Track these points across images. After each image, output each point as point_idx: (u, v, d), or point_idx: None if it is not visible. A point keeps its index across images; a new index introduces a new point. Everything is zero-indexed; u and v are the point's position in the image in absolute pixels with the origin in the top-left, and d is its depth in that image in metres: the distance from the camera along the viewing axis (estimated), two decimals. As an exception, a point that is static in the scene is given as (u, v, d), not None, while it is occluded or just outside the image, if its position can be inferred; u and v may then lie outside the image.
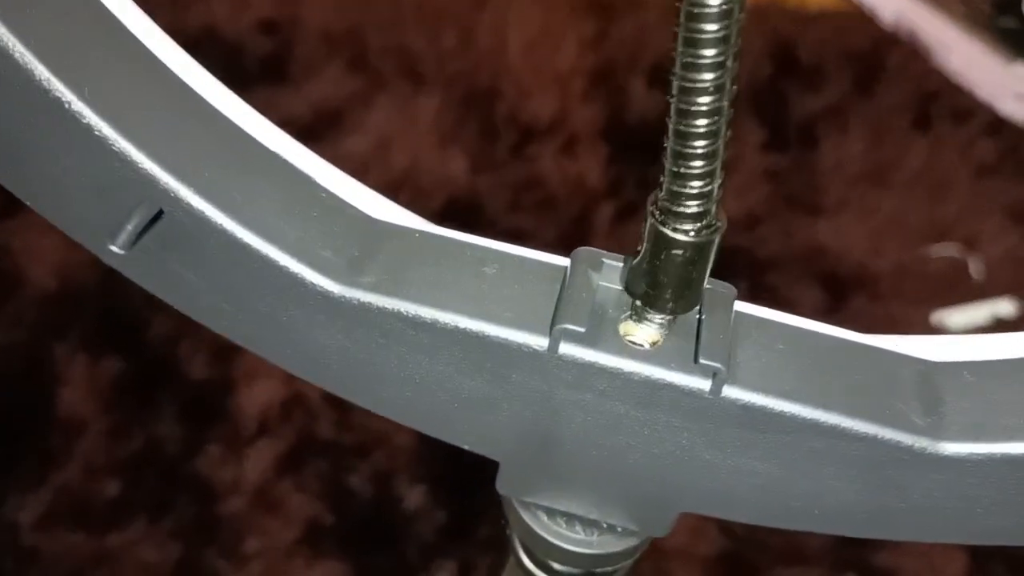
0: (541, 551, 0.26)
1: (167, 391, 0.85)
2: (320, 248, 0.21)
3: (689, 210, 0.19)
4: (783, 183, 1.06)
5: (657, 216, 0.19)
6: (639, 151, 1.07)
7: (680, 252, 0.19)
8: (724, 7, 0.16)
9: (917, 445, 0.21)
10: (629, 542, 0.26)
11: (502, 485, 0.25)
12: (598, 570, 0.26)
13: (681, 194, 0.19)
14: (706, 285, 0.22)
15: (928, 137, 1.11)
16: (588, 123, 1.09)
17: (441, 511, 0.80)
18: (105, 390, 0.85)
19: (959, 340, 0.22)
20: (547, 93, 1.10)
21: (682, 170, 0.18)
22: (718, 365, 0.21)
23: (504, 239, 0.23)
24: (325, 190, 0.22)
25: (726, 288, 0.22)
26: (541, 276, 0.22)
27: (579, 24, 1.18)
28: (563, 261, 0.22)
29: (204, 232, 0.20)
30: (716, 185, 0.19)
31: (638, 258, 0.20)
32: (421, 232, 0.22)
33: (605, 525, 0.26)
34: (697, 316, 0.21)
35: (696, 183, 0.19)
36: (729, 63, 0.17)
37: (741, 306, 0.23)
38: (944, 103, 1.15)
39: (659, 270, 0.20)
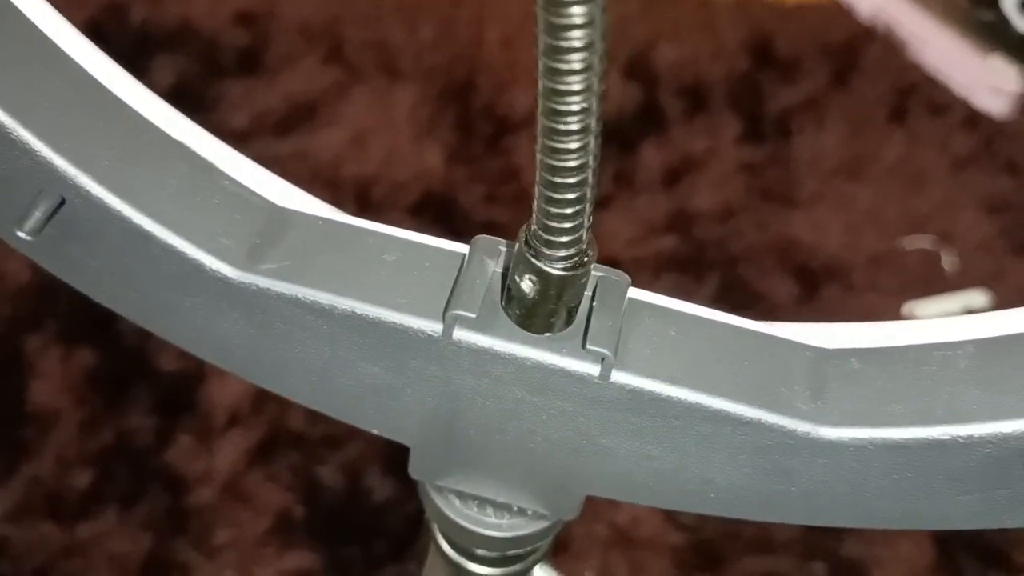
0: (456, 534, 0.27)
1: (139, 383, 0.86)
2: (220, 235, 0.21)
3: (559, 252, 0.20)
4: (758, 176, 1.07)
5: (528, 251, 0.20)
6: (615, 144, 1.08)
7: (550, 284, 0.20)
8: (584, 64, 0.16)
9: (800, 430, 0.21)
10: (540, 524, 0.26)
11: (414, 470, 0.26)
12: (511, 552, 0.27)
13: (551, 240, 0.19)
14: (600, 273, 0.22)
15: (904, 130, 1.12)
16: (564, 116, 1.09)
17: (411, 503, 0.81)
18: (78, 382, 0.85)
19: (850, 328, 0.23)
20: (523, 86, 1.11)
21: (551, 215, 0.19)
22: (605, 351, 0.21)
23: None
24: (228, 177, 0.22)
25: (619, 276, 0.22)
26: (440, 263, 0.22)
27: (557, 17, 1.18)
28: (463, 248, 0.23)
29: (104, 219, 0.21)
30: (584, 230, 0.20)
31: (512, 287, 0.21)
32: (324, 219, 0.23)
33: (515, 508, 0.26)
34: (590, 304, 0.22)
35: (567, 224, 0.19)
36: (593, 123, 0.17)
37: (636, 293, 0.23)
38: (921, 96, 1.15)
39: (531, 299, 0.20)
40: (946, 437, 0.21)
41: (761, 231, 1.02)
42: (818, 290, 0.99)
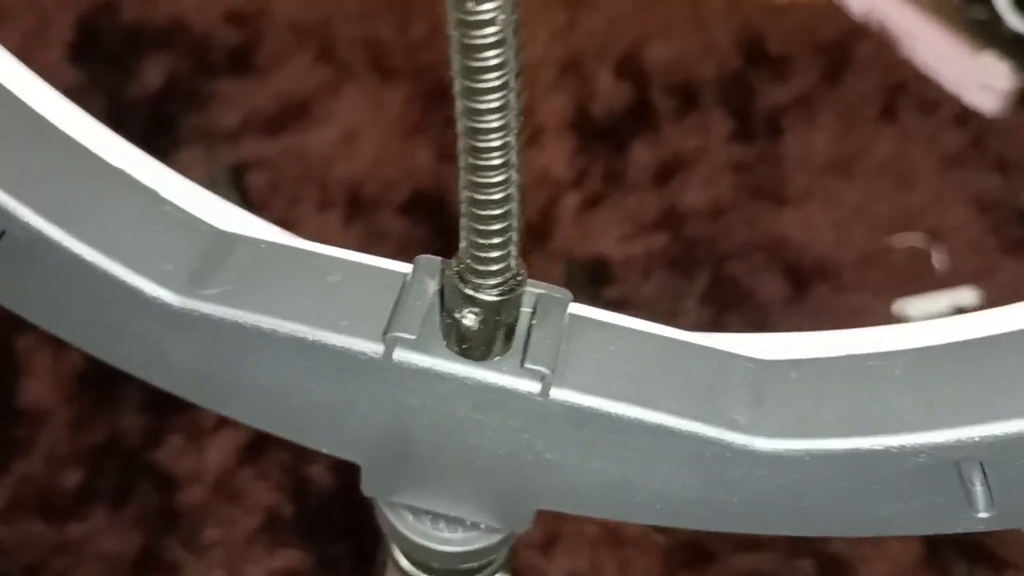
0: (411, 550, 0.27)
1: (129, 382, 0.86)
2: (160, 261, 0.22)
3: (492, 280, 0.20)
4: (749, 174, 1.07)
5: (463, 284, 0.20)
6: (606, 142, 1.08)
7: (489, 312, 0.20)
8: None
9: (737, 442, 0.22)
10: (493, 538, 0.27)
11: (366, 487, 0.26)
12: (465, 565, 0.27)
13: (482, 271, 0.20)
14: (540, 291, 0.23)
15: (895, 128, 1.12)
16: (555, 114, 1.09)
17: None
18: (68, 381, 0.86)
19: (790, 338, 0.23)
20: (515, 84, 1.11)
21: (481, 246, 0.19)
22: (544, 369, 0.21)
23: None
24: (170, 203, 0.22)
25: (560, 292, 0.23)
26: (382, 284, 0.23)
27: (549, 15, 1.18)
28: (407, 268, 0.23)
29: (44, 249, 0.21)
30: (513, 258, 0.20)
31: (445, 319, 0.21)
32: (267, 243, 0.23)
33: (468, 522, 0.26)
34: (530, 321, 0.22)
35: (496, 252, 0.20)
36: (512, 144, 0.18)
37: (579, 309, 0.23)
38: (912, 94, 1.15)
39: (473, 331, 0.21)
40: (879, 447, 0.21)
41: (751, 229, 1.03)
42: (807, 288, 0.99)
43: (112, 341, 0.24)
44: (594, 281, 0.98)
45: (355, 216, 1.00)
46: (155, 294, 0.21)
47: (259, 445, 0.83)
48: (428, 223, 0.99)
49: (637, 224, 1.02)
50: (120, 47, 1.11)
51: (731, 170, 1.07)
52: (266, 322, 0.22)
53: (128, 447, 0.83)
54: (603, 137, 1.08)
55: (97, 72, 1.08)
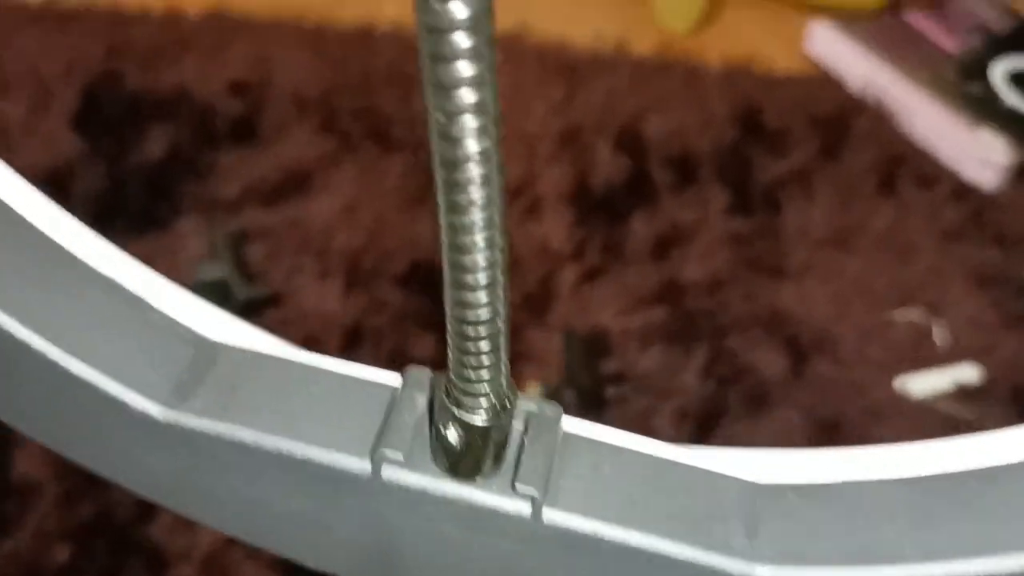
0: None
1: (121, 456, 0.85)
2: (145, 372, 0.21)
3: (479, 402, 0.20)
4: (747, 247, 1.07)
5: (450, 401, 0.20)
6: (604, 214, 1.08)
7: (474, 434, 0.20)
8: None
9: (735, 570, 0.21)
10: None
11: (351, 600, 0.25)
12: None
13: (469, 391, 0.20)
14: (531, 407, 0.22)
15: (893, 202, 1.12)
16: (554, 186, 1.10)
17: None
18: (60, 455, 0.85)
19: (788, 458, 0.23)
20: (514, 156, 1.12)
21: (467, 366, 0.19)
22: (535, 492, 0.21)
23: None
24: (157, 311, 0.22)
25: (552, 409, 0.22)
26: (370, 397, 0.22)
27: (548, 88, 1.19)
28: (396, 381, 0.23)
29: (27, 359, 0.21)
30: (503, 376, 0.20)
31: (434, 437, 0.21)
32: (254, 353, 0.22)
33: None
34: (521, 439, 0.22)
35: (484, 374, 0.19)
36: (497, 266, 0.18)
37: (571, 425, 0.23)
38: (910, 168, 1.16)
39: (457, 449, 0.20)
40: (881, 581, 0.20)
41: (750, 303, 1.02)
42: (808, 362, 0.98)
43: (90, 449, 0.23)
44: (592, 354, 0.97)
45: (354, 286, 1.00)
46: (140, 407, 0.21)
47: (251, 522, 0.82)
48: (426, 294, 0.99)
49: (635, 297, 1.01)
50: (123, 116, 1.12)
51: (729, 243, 1.07)
52: (249, 436, 0.21)
53: (119, 523, 0.82)
54: (602, 209, 1.09)
55: (99, 140, 1.09)
